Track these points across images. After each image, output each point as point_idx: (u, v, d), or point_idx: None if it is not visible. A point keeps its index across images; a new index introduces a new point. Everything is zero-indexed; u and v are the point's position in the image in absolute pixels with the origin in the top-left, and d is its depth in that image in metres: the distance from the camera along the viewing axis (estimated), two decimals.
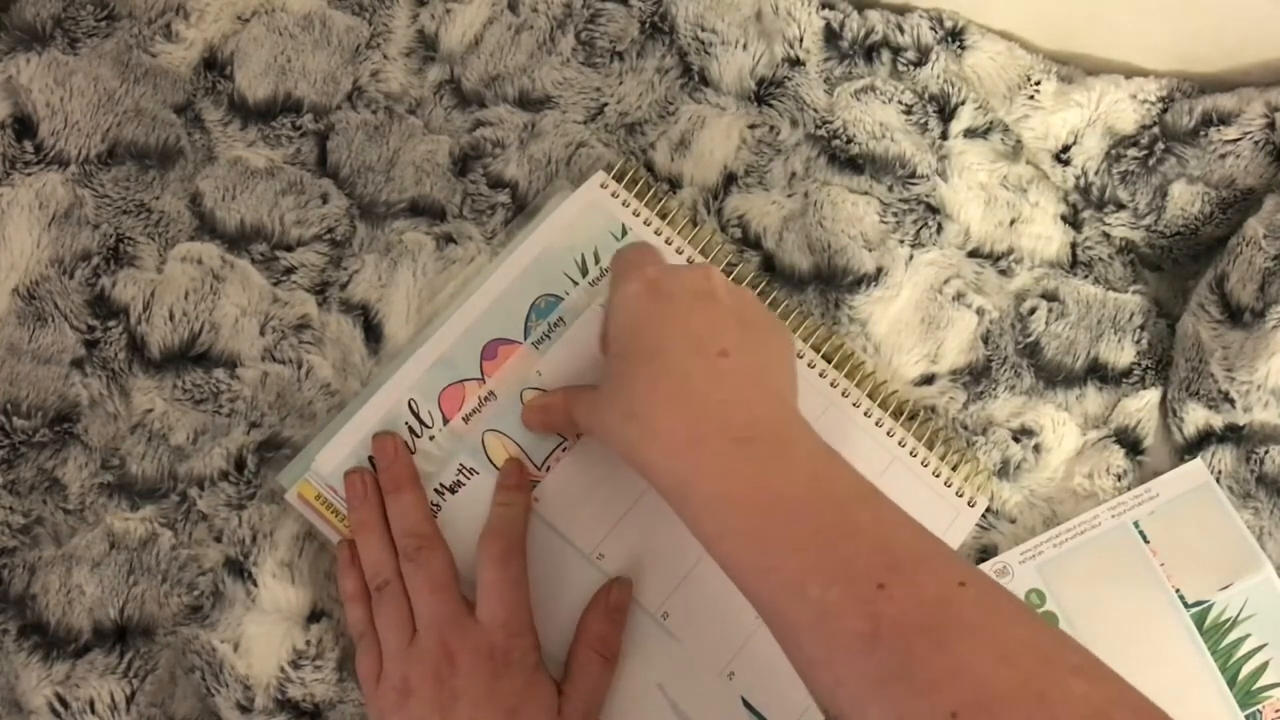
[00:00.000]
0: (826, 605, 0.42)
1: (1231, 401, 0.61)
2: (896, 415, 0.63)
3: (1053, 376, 0.66)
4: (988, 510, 0.63)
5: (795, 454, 0.47)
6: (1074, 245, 0.68)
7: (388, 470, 0.59)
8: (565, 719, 0.54)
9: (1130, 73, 0.67)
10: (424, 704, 0.53)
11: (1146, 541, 0.62)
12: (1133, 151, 0.66)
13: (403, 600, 0.56)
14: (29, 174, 0.64)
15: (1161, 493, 0.63)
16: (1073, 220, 0.69)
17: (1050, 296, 0.67)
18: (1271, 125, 0.63)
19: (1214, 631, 0.60)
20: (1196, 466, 0.63)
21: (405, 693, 0.53)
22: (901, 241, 0.67)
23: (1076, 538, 0.62)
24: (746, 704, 0.57)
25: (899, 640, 0.40)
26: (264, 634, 0.58)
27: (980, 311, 0.66)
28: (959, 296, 0.66)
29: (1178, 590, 0.61)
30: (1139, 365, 0.66)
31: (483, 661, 0.53)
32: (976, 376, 0.66)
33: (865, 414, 0.63)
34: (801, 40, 0.69)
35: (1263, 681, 0.60)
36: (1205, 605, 0.60)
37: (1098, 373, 0.66)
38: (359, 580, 0.57)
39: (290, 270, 0.65)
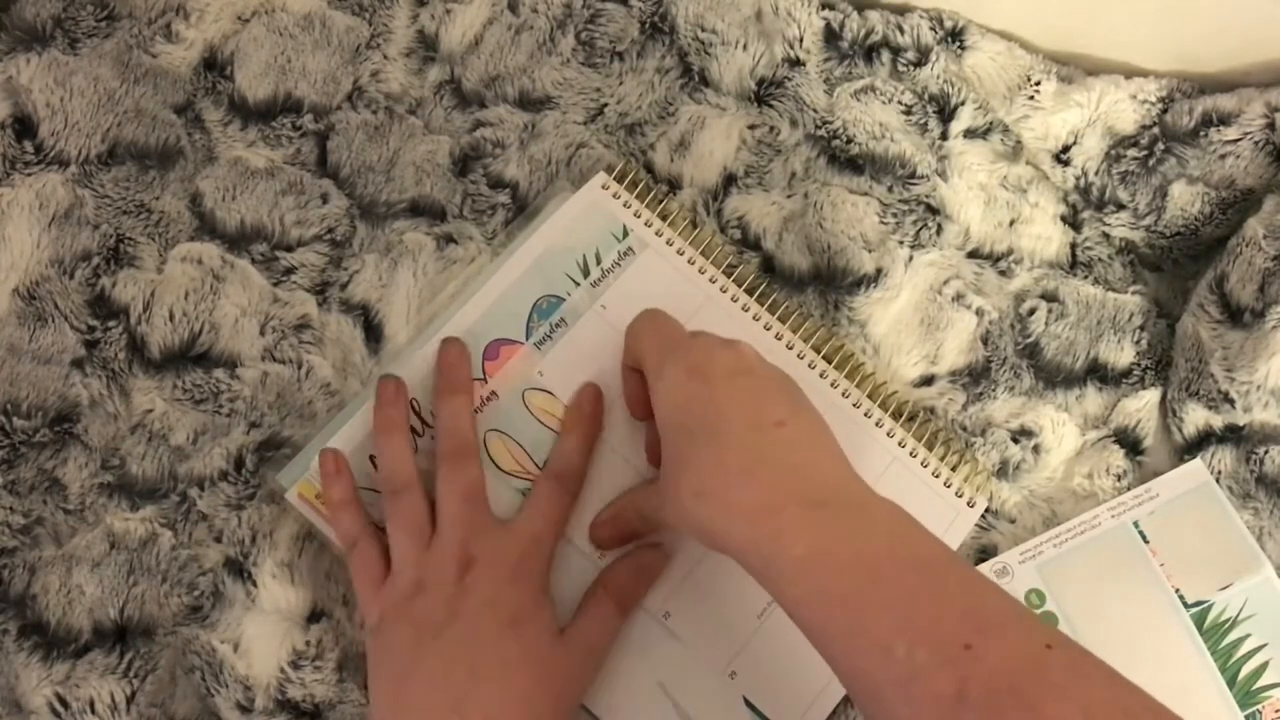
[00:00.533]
0: (914, 666, 0.42)
1: (1231, 402, 0.61)
2: (896, 416, 0.63)
3: (1052, 377, 0.66)
4: (987, 510, 0.63)
5: (873, 515, 0.48)
6: (1074, 246, 0.68)
7: (450, 371, 0.59)
8: (569, 646, 0.54)
9: (1130, 73, 0.68)
10: (431, 601, 0.53)
11: (1146, 541, 0.62)
12: (1133, 152, 0.66)
13: (424, 503, 0.56)
14: (29, 174, 0.64)
15: (1161, 493, 0.63)
16: (1072, 221, 0.69)
17: (1050, 297, 0.67)
18: (1271, 125, 0.63)
19: (1214, 631, 0.60)
20: (1196, 467, 0.63)
21: (414, 594, 0.53)
22: (901, 242, 0.67)
23: (1076, 538, 0.62)
24: (748, 703, 0.57)
25: (987, 702, 0.40)
26: (264, 634, 0.58)
27: (980, 312, 0.66)
28: (958, 297, 0.66)
29: (1177, 590, 0.61)
30: (1139, 365, 0.66)
31: (502, 566, 0.54)
32: (976, 377, 0.66)
33: (865, 414, 0.63)
34: (801, 40, 0.69)
35: (1263, 681, 0.60)
36: (1205, 605, 0.60)
37: (1097, 373, 0.66)
38: (348, 488, 0.57)
39: (290, 270, 0.65)
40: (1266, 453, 0.62)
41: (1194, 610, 0.60)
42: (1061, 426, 0.65)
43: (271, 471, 0.60)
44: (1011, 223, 0.68)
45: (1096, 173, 0.67)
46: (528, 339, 0.62)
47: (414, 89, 0.69)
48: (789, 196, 0.67)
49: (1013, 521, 0.64)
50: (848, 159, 0.68)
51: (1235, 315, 0.62)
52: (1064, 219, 0.69)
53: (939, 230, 0.67)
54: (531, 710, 0.52)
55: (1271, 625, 0.60)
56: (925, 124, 0.68)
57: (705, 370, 0.52)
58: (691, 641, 0.58)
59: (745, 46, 0.69)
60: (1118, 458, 0.65)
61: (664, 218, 0.65)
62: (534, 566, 0.55)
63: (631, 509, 0.58)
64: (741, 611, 0.59)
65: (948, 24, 0.69)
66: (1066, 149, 0.68)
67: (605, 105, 0.69)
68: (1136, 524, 0.62)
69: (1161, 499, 0.63)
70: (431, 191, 0.66)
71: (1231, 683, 0.59)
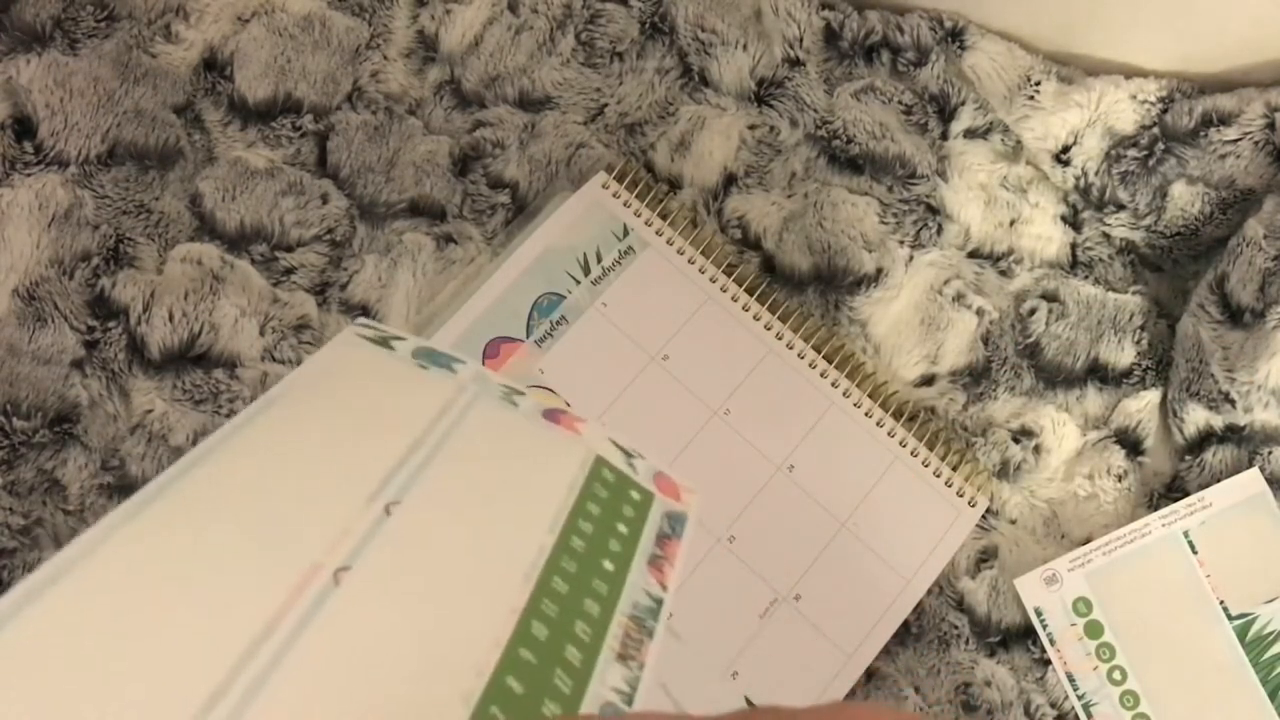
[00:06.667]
0: None
1: (1232, 402, 0.62)
2: (897, 416, 0.64)
3: (1053, 377, 0.66)
4: (988, 511, 0.63)
5: None
6: (1074, 246, 0.69)
7: None
8: None
9: (1130, 73, 0.67)
10: None
11: (1195, 552, 0.61)
12: (1133, 152, 0.66)
13: None
14: (29, 175, 0.64)
15: (1215, 502, 0.62)
16: (1073, 221, 0.69)
17: (1050, 297, 0.67)
18: (1271, 125, 0.63)
19: (1256, 644, 0.60)
20: (1252, 476, 0.62)
21: None
22: (901, 242, 0.67)
23: (1126, 546, 0.62)
24: (750, 704, 0.57)
25: None
26: None
27: (980, 312, 0.66)
28: (959, 297, 0.66)
29: (1222, 602, 0.60)
30: (1139, 366, 0.66)
31: None
32: (976, 377, 0.66)
33: (866, 414, 0.63)
34: (801, 40, 0.69)
35: None
36: (1249, 618, 0.60)
37: (1098, 373, 0.66)
38: None
39: (290, 271, 0.65)
40: (1270, 453, 0.62)
41: (1237, 622, 0.60)
42: (1062, 427, 0.65)
43: None
44: (1012, 223, 0.68)
45: (1096, 173, 0.67)
46: (529, 337, 0.62)
47: (414, 89, 0.69)
48: (789, 196, 0.68)
49: (1013, 522, 0.64)
50: (848, 159, 0.68)
51: (1235, 315, 0.62)
52: (1064, 219, 0.69)
53: (939, 230, 0.67)
54: None
55: None
56: (925, 124, 0.68)
57: None
58: (694, 642, 0.58)
59: (745, 46, 0.69)
60: (1118, 458, 0.65)
61: (664, 217, 0.65)
62: None
63: None
64: (744, 611, 0.59)
65: (947, 24, 0.69)
66: (1066, 149, 0.68)
67: (605, 105, 0.69)
68: (1186, 534, 0.62)
69: (1214, 509, 0.62)
70: (431, 191, 0.66)
71: (1273, 695, 0.59)
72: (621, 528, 0.38)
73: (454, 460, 0.37)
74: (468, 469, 0.38)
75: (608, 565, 0.36)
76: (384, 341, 0.43)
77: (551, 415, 0.42)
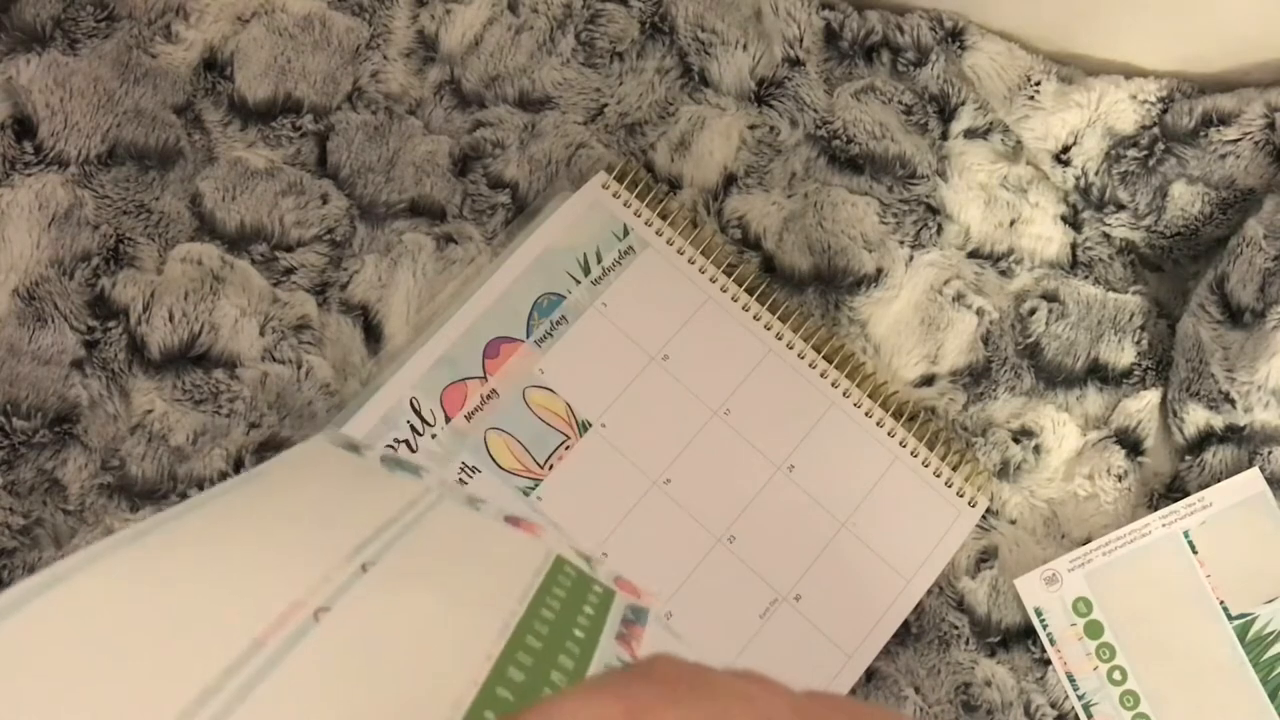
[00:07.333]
0: None
1: (1232, 402, 0.62)
2: (897, 416, 0.64)
3: (1053, 377, 0.66)
4: (988, 511, 0.63)
5: None
6: (1074, 246, 0.69)
7: None
8: None
9: (1130, 73, 0.67)
10: None
11: (1195, 552, 0.61)
12: (1133, 152, 0.66)
13: None
14: (29, 175, 0.64)
15: (1215, 502, 0.62)
16: (1073, 221, 0.69)
17: (1050, 297, 0.67)
18: (1271, 125, 0.63)
19: (1256, 645, 0.60)
20: (1252, 476, 0.62)
21: None
22: (901, 242, 0.67)
23: (1126, 546, 0.62)
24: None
25: None
26: None
27: (980, 312, 0.66)
28: (959, 297, 0.66)
29: (1222, 602, 0.60)
30: (1139, 366, 0.66)
31: None
32: (976, 377, 0.66)
33: (866, 414, 0.63)
34: (801, 40, 0.69)
35: None
36: (1249, 618, 0.60)
37: (1098, 373, 0.66)
38: None
39: (290, 271, 0.65)
40: (1270, 453, 0.62)
41: (1238, 623, 0.60)
42: (1062, 427, 0.65)
43: None
44: (1012, 223, 0.68)
45: (1096, 173, 0.67)
46: (528, 337, 0.62)
47: (414, 89, 0.69)
48: (789, 196, 0.68)
49: (1013, 522, 0.64)
50: (848, 159, 0.68)
51: (1236, 315, 0.62)
52: (1064, 219, 0.69)
53: (939, 230, 0.67)
54: None
55: None
56: (925, 124, 0.68)
57: None
58: (694, 641, 0.58)
59: (745, 46, 0.69)
60: (1118, 458, 0.65)
61: (664, 217, 0.65)
62: None
63: None
64: (743, 612, 0.59)
65: (947, 24, 0.69)
66: (1066, 149, 0.68)
67: (605, 105, 0.69)
68: (1187, 534, 0.62)
69: (1214, 509, 0.62)
70: (431, 191, 0.66)
71: (1273, 695, 0.59)
72: (588, 609, 0.40)
73: (424, 538, 0.39)
74: (438, 545, 0.40)
75: (578, 633, 0.37)
76: (353, 448, 0.46)
77: (513, 520, 0.44)
